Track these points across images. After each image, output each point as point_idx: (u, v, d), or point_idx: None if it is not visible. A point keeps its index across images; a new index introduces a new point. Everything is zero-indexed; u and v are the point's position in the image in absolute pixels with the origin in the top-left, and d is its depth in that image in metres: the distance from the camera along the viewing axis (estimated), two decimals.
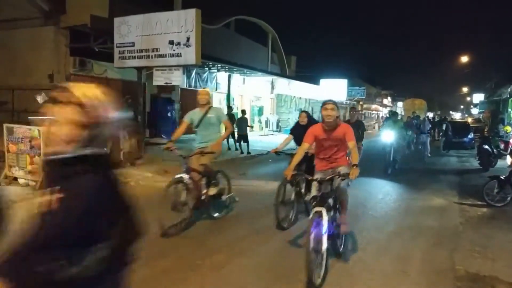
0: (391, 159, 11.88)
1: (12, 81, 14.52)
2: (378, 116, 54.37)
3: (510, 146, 11.90)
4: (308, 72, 35.46)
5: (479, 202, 8.21)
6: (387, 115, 14.42)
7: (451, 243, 5.71)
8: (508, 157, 8.96)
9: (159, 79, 13.26)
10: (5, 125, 9.06)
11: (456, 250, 5.40)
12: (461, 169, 14.16)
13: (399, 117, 13.43)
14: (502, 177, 8.10)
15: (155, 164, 12.11)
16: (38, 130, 8.45)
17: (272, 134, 25.57)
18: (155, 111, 17.94)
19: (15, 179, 8.85)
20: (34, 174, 8.50)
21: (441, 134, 22.31)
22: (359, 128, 9.56)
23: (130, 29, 13.03)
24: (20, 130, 8.72)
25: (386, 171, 11.64)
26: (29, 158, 8.55)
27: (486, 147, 13.35)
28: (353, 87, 39.04)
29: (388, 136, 12.14)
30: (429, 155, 16.92)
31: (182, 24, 12.24)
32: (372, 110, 55.65)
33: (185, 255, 4.90)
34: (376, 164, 11.87)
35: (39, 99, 11.58)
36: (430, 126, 18.45)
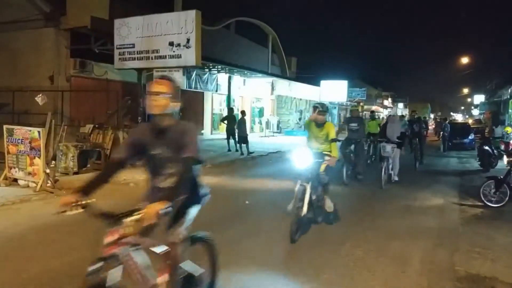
0: (304, 211, 5.55)
1: (13, 82, 14.54)
2: (379, 118, 54.40)
3: (511, 147, 11.88)
4: (308, 74, 35.50)
5: (479, 203, 8.18)
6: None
7: (451, 244, 5.70)
8: (505, 156, 8.95)
9: None
10: (5, 126, 9.07)
11: (456, 251, 5.39)
12: (461, 170, 14.14)
13: (328, 116, 7.10)
14: (499, 177, 8.10)
15: None
16: (38, 131, 8.46)
17: (273, 136, 25.57)
18: None
19: (15, 180, 8.86)
20: (34, 175, 8.51)
21: (441, 136, 22.33)
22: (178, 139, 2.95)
23: (130, 30, 13.07)
24: (20, 131, 8.73)
25: (293, 237, 5.44)
26: (29, 159, 8.55)
27: (487, 148, 13.35)
28: (353, 89, 39.08)
29: (302, 159, 5.82)
30: (397, 178, 10.50)
31: (182, 25, 12.27)
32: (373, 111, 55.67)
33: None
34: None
35: (40, 100, 11.61)
36: (401, 131, 11.31)
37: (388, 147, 9.98)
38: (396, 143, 10.26)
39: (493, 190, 8.05)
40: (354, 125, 10.54)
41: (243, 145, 15.55)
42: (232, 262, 4.78)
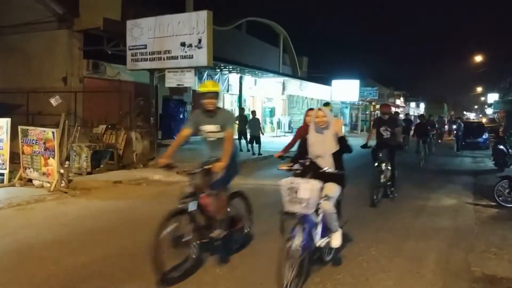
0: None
1: (27, 84, 14.70)
2: None
3: None
4: (319, 73, 35.36)
5: (494, 203, 8.08)
6: None
7: (466, 244, 5.63)
8: None
9: (171, 81, 13.33)
10: (19, 127, 9.18)
11: (472, 251, 5.32)
12: (476, 169, 13.97)
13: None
14: None
15: None
16: (53, 132, 8.55)
17: (284, 135, 25.52)
18: (167, 113, 18.02)
19: (30, 180, 8.96)
20: (48, 175, 8.60)
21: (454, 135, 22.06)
22: None
23: (142, 31, 13.12)
24: (35, 132, 8.83)
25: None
26: (44, 159, 8.65)
27: (501, 147, 13.17)
28: (365, 88, 38.78)
29: None
30: (339, 243, 4.42)
31: (194, 26, 12.29)
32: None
33: (198, 256, 4.89)
34: None
35: (53, 101, 11.73)
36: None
37: (305, 191, 4.35)
38: (330, 176, 4.39)
39: (507, 190, 7.92)
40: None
41: (255, 145, 15.54)
42: (244, 262, 4.78)
